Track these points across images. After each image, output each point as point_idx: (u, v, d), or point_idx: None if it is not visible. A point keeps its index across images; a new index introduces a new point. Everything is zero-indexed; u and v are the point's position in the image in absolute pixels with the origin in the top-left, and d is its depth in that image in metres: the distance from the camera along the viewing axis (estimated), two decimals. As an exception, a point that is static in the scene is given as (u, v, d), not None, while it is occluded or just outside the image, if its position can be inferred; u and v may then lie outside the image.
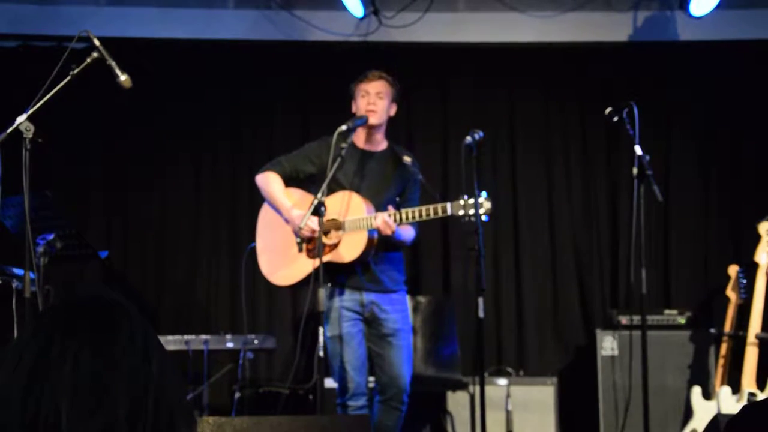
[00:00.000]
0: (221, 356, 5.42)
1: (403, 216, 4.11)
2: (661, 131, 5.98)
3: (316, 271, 3.99)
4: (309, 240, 4.21)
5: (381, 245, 4.22)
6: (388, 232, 4.10)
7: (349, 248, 4.19)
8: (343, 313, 4.22)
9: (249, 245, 4.89)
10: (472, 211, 4.04)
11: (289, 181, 4.40)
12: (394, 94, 4.35)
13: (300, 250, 4.26)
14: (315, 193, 4.08)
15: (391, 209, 4.13)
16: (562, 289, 6.00)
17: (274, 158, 4.47)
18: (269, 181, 4.36)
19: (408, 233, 4.28)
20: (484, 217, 4.07)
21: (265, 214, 4.46)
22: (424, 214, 4.10)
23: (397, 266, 4.34)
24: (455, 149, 5.35)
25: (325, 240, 4.19)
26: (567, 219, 6.05)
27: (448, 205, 4.06)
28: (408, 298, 4.48)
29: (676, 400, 5.17)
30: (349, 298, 4.23)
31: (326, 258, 4.18)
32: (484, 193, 4.09)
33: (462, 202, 4.05)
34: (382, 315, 4.25)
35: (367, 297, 4.24)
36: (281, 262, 4.35)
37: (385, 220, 4.08)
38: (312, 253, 4.17)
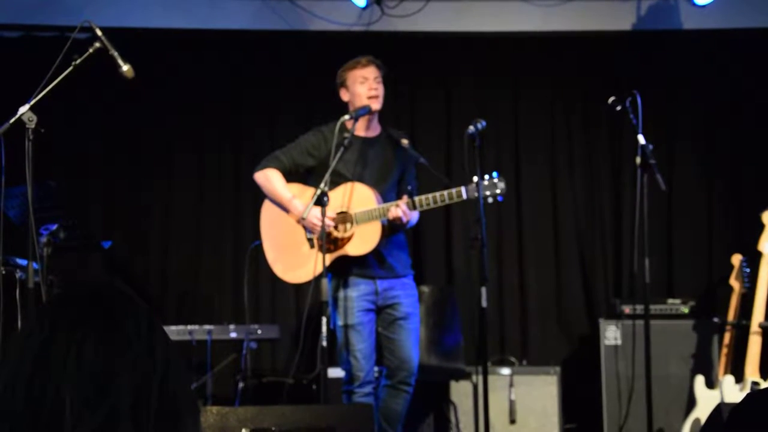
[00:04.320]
0: (225, 346, 5.43)
1: (417, 203, 4.10)
2: (664, 120, 5.97)
3: (322, 261, 3.98)
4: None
5: (386, 230, 4.22)
6: (405, 220, 4.10)
7: (365, 240, 4.18)
8: (356, 303, 4.22)
9: (252, 243, 4.89)
10: (489, 192, 4.05)
11: (288, 176, 4.37)
12: (384, 77, 4.34)
13: (312, 246, 4.25)
14: (314, 186, 4.07)
15: (405, 198, 4.12)
16: (565, 279, 6.00)
17: (275, 150, 4.45)
18: (270, 178, 4.32)
19: (415, 216, 4.28)
20: (498, 198, 4.08)
21: (268, 212, 4.41)
22: (439, 199, 4.09)
23: (404, 249, 4.36)
24: (458, 138, 5.35)
25: (336, 234, 4.18)
26: (570, 208, 6.04)
27: (463, 189, 4.06)
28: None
29: (679, 390, 5.17)
30: (362, 288, 4.23)
31: (341, 252, 4.18)
32: (495, 173, 4.09)
33: (474, 185, 4.05)
34: (395, 300, 4.26)
35: (381, 285, 4.25)
36: (295, 261, 4.31)
37: (404, 210, 4.07)
38: (323, 247, 4.14)
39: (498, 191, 4.08)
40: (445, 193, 4.08)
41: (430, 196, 4.10)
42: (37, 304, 3.31)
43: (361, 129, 4.30)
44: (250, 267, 5.41)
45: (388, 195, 4.24)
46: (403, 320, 4.27)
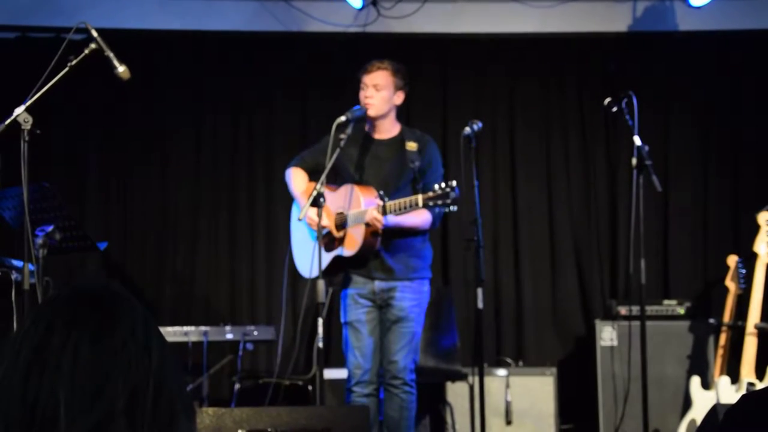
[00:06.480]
0: (221, 347, 5.43)
1: (388, 208, 4.09)
2: (660, 121, 5.98)
3: (319, 261, 4.00)
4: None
5: (390, 233, 4.19)
6: (378, 225, 4.10)
7: (352, 242, 4.23)
8: (356, 300, 4.28)
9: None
10: (441, 201, 3.93)
11: (312, 174, 4.42)
12: (398, 82, 4.30)
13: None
14: (335, 184, 4.13)
15: (379, 202, 4.11)
16: (561, 280, 6.00)
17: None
18: (291, 177, 4.46)
19: (412, 220, 4.19)
20: (452, 208, 3.94)
21: (293, 210, 4.55)
22: (403, 206, 4.05)
23: (413, 253, 4.29)
24: (454, 140, 5.35)
25: (334, 234, 4.26)
26: (566, 209, 6.04)
27: (419, 197, 4.00)
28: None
29: (675, 391, 5.18)
30: (361, 287, 4.28)
31: (337, 252, 4.26)
32: (453, 182, 3.93)
33: (431, 193, 3.95)
34: (390, 302, 4.27)
35: (378, 286, 4.26)
36: (305, 256, 4.37)
37: (374, 216, 4.08)
38: (328, 246, 4.24)
39: (449, 201, 3.92)
40: (408, 200, 4.05)
41: (398, 201, 4.07)
42: (33, 305, 3.30)
43: (372, 130, 4.35)
44: (247, 264, 5.41)
45: (396, 197, 4.17)
46: (393, 323, 4.26)
